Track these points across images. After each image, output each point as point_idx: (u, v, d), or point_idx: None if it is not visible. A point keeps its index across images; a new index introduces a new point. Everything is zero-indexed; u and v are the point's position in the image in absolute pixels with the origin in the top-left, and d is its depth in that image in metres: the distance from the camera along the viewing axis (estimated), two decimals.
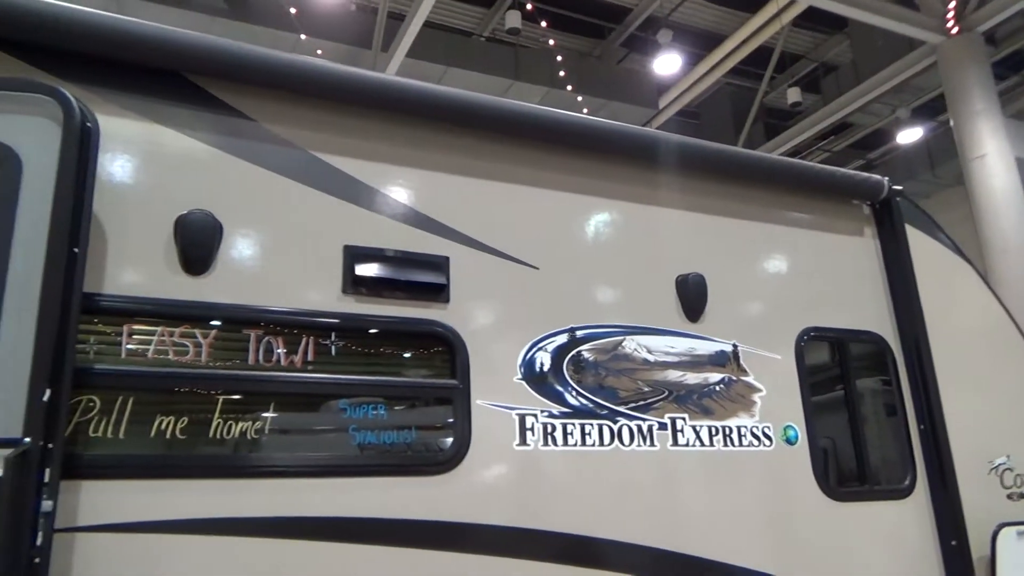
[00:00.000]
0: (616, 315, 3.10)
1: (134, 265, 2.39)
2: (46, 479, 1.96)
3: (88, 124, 2.23)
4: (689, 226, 3.42)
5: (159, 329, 2.40)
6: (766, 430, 3.24)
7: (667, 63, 15.11)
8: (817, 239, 3.73)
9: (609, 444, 2.91)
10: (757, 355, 3.34)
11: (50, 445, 1.98)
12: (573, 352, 2.97)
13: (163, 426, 2.32)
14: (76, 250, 2.13)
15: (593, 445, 2.88)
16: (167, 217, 2.46)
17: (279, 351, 2.54)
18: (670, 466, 3.00)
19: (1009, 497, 3.70)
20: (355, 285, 2.67)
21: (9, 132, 2.12)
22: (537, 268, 3.01)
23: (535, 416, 2.82)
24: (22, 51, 2.40)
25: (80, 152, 2.17)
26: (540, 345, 2.92)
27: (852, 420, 3.53)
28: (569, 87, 14.36)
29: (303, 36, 12.43)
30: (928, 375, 3.61)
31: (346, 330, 2.66)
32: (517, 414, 2.79)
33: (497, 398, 2.77)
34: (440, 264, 2.82)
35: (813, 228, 3.74)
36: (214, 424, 2.39)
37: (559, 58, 14.34)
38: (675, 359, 3.16)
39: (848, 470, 3.58)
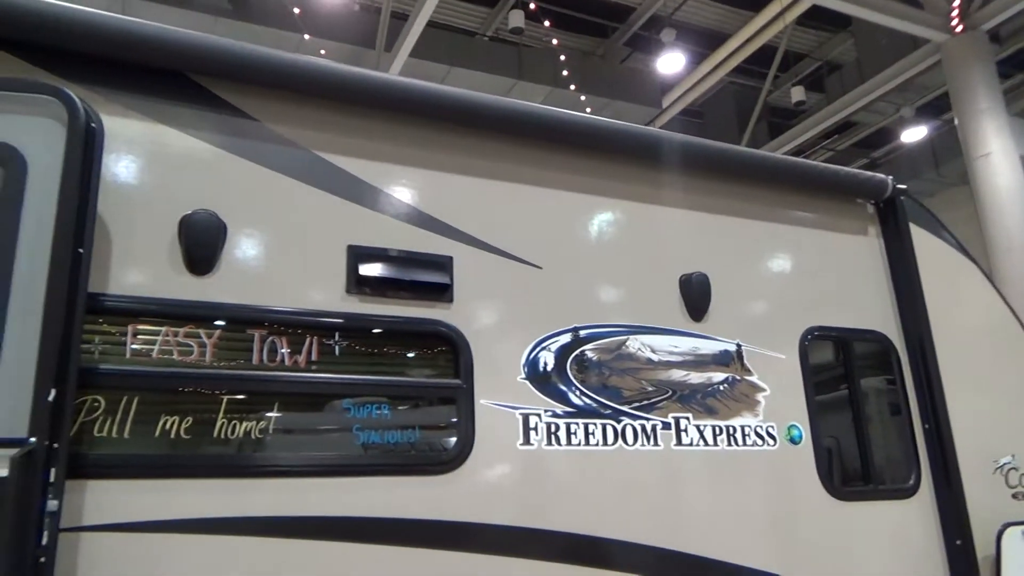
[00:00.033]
0: (620, 315, 3.10)
1: (138, 265, 2.39)
2: (51, 479, 1.97)
3: (92, 124, 2.24)
4: (693, 225, 3.41)
5: (163, 329, 2.40)
6: (770, 430, 3.23)
7: (670, 62, 15.09)
8: (821, 238, 3.73)
9: (613, 444, 2.91)
10: (761, 354, 3.34)
11: (55, 445, 1.98)
12: (577, 352, 2.97)
13: (168, 426, 2.33)
14: (81, 250, 2.14)
15: (597, 445, 2.88)
16: (171, 217, 2.47)
17: (283, 351, 2.55)
18: (674, 466, 3.00)
19: (1014, 496, 3.69)
20: (359, 285, 2.67)
21: (14, 133, 2.13)
22: (541, 268, 3.01)
23: (539, 416, 2.82)
24: (26, 52, 2.40)
25: (84, 152, 2.18)
26: (544, 345, 2.92)
27: (856, 419, 3.52)
28: (572, 86, 14.35)
29: (306, 36, 12.45)
30: (932, 374, 3.60)
31: (350, 330, 2.66)
32: (521, 414, 2.79)
33: (501, 398, 2.78)
34: (444, 264, 2.83)
35: (817, 227, 3.74)
36: (218, 424, 2.39)
37: (562, 57, 14.33)
38: (679, 359, 3.16)
39: (852, 469, 3.58)
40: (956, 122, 12.26)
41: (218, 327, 2.48)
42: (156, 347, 2.38)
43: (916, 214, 3.90)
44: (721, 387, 3.20)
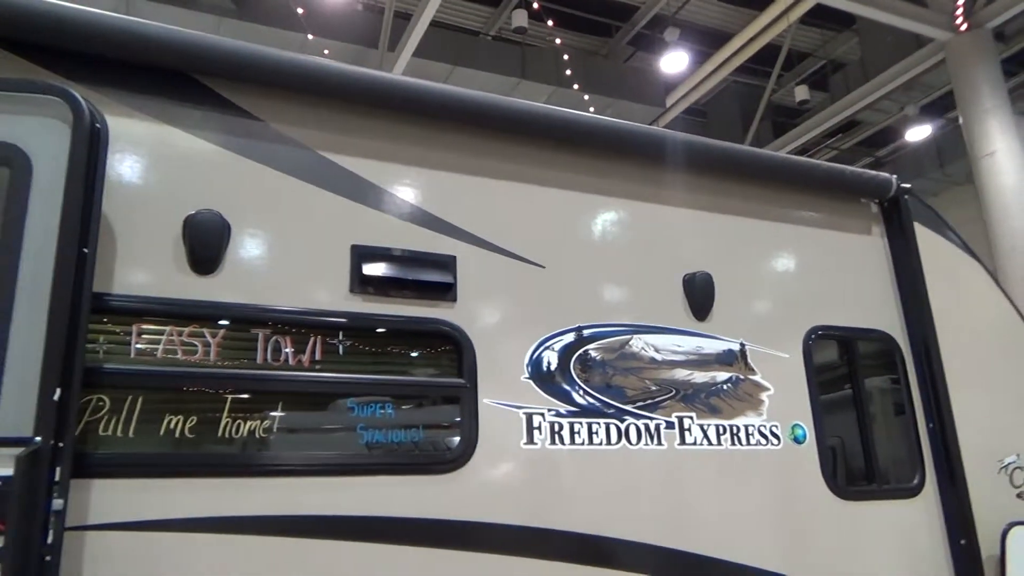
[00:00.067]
0: (623, 314, 3.10)
1: (143, 265, 2.40)
2: (57, 478, 1.98)
3: (97, 125, 2.24)
4: (696, 225, 3.41)
5: (168, 328, 2.41)
6: (774, 429, 3.23)
7: (674, 61, 15.07)
8: (825, 237, 3.72)
9: (616, 443, 2.91)
10: (765, 354, 3.34)
11: (61, 444, 1.99)
12: (580, 351, 2.97)
13: (172, 425, 2.34)
14: (86, 250, 2.15)
15: (600, 444, 2.88)
16: (176, 217, 2.48)
17: (287, 350, 2.55)
18: (677, 465, 2.99)
19: (1019, 496, 3.68)
20: (362, 284, 2.68)
21: (19, 133, 2.14)
22: (544, 267, 3.01)
23: (542, 415, 2.82)
24: (31, 52, 2.41)
25: (89, 153, 2.18)
26: (547, 344, 2.92)
27: (860, 419, 3.52)
28: (576, 86, 14.34)
29: (310, 36, 12.46)
30: (937, 373, 3.59)
31: (354, 329, 2.67)
32: (524, 413, 2.79)
33: (504, 397, 2.78)
34: (447, 263, 2.83)
35: (821, 226, 3.73)
36: (223, 423, 2.40)
37: (566, 57, 14.33)
38: (682, 358, 3.16)
39: (857, 469, 3.57)
40: (961, 121, 12.23)
41: (222, 327, 2.48)
42: (160, 347, 2.39)
43: (920, 213, 3.89)
44: (725, 386, 3.20)
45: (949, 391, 3.58)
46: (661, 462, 2.97)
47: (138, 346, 2.37)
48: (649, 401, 3.02)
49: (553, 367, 2.90)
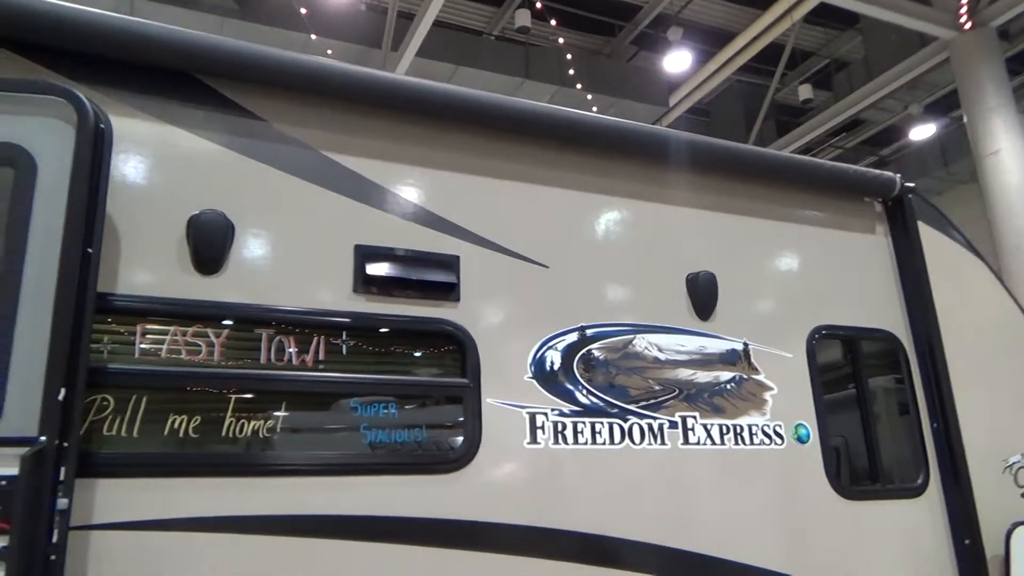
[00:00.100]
0: (626, 313, 3.10)
1: (147, 265, 2.41)
2: (61, 477, 1.98)
3: (101, 125, 2.25)
4: (700, 224, 3.41)
5: (172, 328, 2.42)
6: (777, 428, 3.23)
7: (677, 61, 15.05)
8: (829, 236, 3.71)
9: (619, 443, 2.91)
10: (768, 353, 3.33)
11: (65, 444, 2.00)
12: (583, 351, 2.97)
13: (176, 425, 2.34)
14: (90, 250, 2.15)
15: (603, 444, 2.88)
16: (180, 217, 2.48)
17: (290, 350, 2.56)
18: (681, 465, 2.99)
19: (1023, 496, 3.67)
20: (366, 284, 2.68)
21: (23, 134, 2.14)
22: (547, 267, 3.01)
23: (545, 415, 2.82)
24: (35, 53, 2.42)
25: (94, 153, 2.19)
26: (550, 344, 2.92)
27: (864, 418, 3.51)
28: (579, 85, 14.33)
29: (313, 36, 12.47)
30: (941, 373, 3.58)
31: (357, 329, 2.67)
32: (527, 412, 2.79)
33: (507, 396, 2.78)
34: (451, 263, 2.83)
35: (825, 225, 3.72)
36: (226, 423, 2.40)
37: (569, 56, 14.32)
38: (686, 357, 3.16)
39: (860, 469, 3.57)
40: (965, 119, 12.20)
41: (226, 326, 2.49)
42: (165, 346, 2.40)
43: (924, 212, 3.88)
44: (728, 386, 3.20)
45: (953, 390, 3.58)
46: (664, 462, 2.96)
47: (142, 346, 2.37)
48: (652, 401, 3.02)
49: (556, 367, 2.90)
